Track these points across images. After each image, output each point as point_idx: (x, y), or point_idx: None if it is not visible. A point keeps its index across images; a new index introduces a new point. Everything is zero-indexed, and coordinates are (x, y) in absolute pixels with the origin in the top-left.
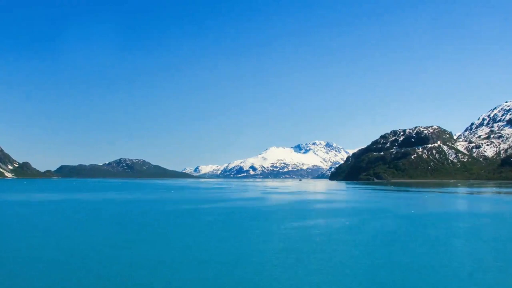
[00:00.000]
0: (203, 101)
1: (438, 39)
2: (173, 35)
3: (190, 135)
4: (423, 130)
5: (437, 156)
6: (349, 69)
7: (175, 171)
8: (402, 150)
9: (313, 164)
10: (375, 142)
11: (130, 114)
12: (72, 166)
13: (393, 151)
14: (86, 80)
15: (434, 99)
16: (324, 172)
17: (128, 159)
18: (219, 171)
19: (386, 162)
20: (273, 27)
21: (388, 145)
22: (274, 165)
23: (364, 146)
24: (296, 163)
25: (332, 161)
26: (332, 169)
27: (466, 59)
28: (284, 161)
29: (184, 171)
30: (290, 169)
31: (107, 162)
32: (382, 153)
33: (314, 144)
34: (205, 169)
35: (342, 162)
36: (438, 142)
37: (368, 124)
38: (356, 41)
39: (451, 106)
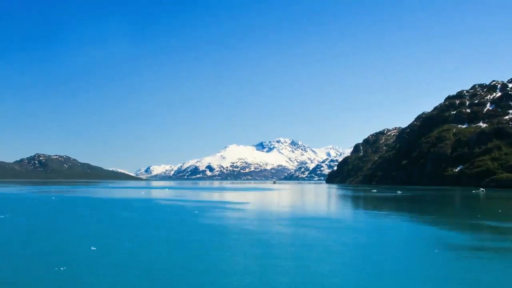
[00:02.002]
0: (155, 95)
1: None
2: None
3: (141, 134)
4: None
5: None
6: (318, 66)
7: (115, 172)
8: None
9: (278, 164)
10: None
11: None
12: None
13: None
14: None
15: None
16: (292, 172)
17: (43, 154)
18: (172, 172)
19: None
20: (238, 20)
21: None
22: (235, 164)
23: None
24: (259, 162)
25: (299, 160)
26: (302, 169)
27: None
28: (246, 160)
29: (138, 172)
30: (252, 169)
31: (18, 159)
32: None
33: (278, 142)
34: (158, 169)
35: (309, 162)
36: None
37: (335, 123)
38: (324, 37)
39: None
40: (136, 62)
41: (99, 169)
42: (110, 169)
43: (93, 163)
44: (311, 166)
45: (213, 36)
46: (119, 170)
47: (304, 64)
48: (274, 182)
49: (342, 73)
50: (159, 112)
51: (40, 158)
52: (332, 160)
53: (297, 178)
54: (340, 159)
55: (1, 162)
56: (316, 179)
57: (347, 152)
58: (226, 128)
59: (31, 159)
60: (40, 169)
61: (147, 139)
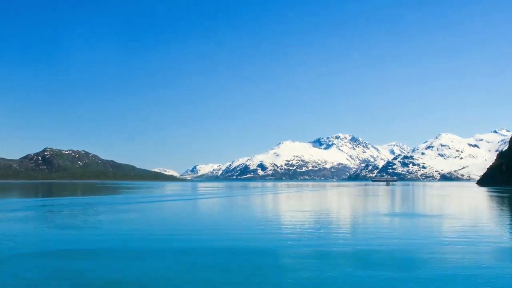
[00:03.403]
0: (203, 90)
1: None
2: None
3: (188, 132)
4: None
5: None
6: (379, 59)
7: (148, 171)
8: None
9: (338, 162)
10: None
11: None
12: None
13: None
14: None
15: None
16: (353, 172)
17: (51, 149)
18: (220, 171)
19: None
20: (275, 26)
21: None
22: (290, 162)
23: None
24: (316, 160)
25: (361, 158)
26: (360, 167)
27: None
28: (302, 158)
29: (186, 173)
30: (310, 168)
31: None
32: None
33: (337, 138)
34: (204, 169)
35: (371, 159)
36: None
37: (398, 119)
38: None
39: None
40: (184, 60)
41: (127, 167)
42: (156, 170)
43: (136, 164)
44: (380, 164)
45: (267, 30)
46: (166, 171)
47: (365, 56)
48: (388, 184)
49: (406, 68)
50: (208, 108)
51: (45, 154)
52: (406, 157)
53: (364, 178)
54: (414, 155)
55: (1, 158)
56: (386, 178)
57: (421, 148)
58: (279, 123)
59: (37, 154)
60: (43, 167)
61: (194, 137)
